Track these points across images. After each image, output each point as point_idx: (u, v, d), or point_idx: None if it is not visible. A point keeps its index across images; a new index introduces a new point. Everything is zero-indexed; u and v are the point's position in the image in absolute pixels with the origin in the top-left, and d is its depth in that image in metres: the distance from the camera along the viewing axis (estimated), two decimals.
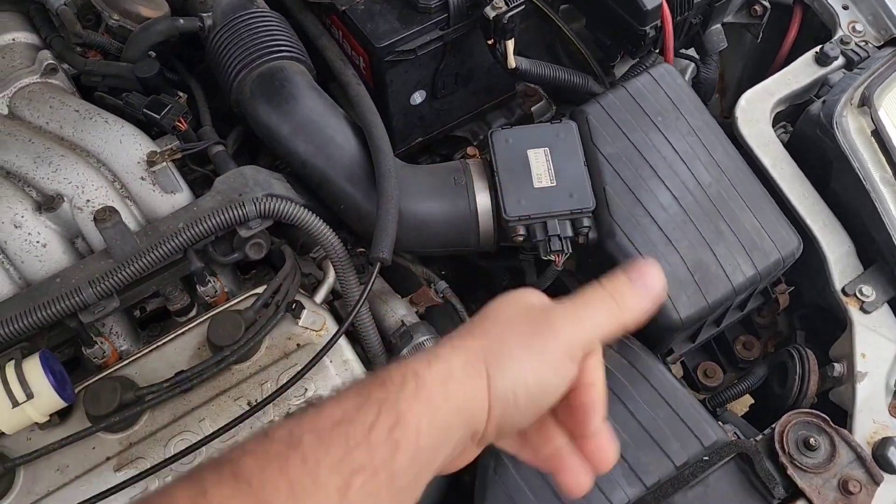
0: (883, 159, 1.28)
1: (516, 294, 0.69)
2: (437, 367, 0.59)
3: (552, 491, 1.06)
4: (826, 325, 1.40)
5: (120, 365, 1.17)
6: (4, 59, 1.30)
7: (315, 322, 1.22)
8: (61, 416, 1.12)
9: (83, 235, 1.20)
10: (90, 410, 1.09)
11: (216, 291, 1.25)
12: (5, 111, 1.25)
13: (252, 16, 1.33)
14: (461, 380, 0.59)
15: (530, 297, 0.69)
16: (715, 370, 1.47)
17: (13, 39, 1.32)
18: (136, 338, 1.29)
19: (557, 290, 1.41)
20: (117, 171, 1.20)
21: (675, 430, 1.11)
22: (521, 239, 1.22)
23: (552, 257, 1.19)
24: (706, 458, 1.09)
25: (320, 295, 1.27)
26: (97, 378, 1.13)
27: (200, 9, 1.37)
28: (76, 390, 1.12)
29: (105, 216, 1.14)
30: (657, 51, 1.49)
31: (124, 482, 1.07)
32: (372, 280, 1.16)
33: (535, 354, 0.63)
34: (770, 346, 1.51)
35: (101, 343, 1.20)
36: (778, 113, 1.42)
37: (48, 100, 1.23)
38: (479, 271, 1.49)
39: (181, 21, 1.30)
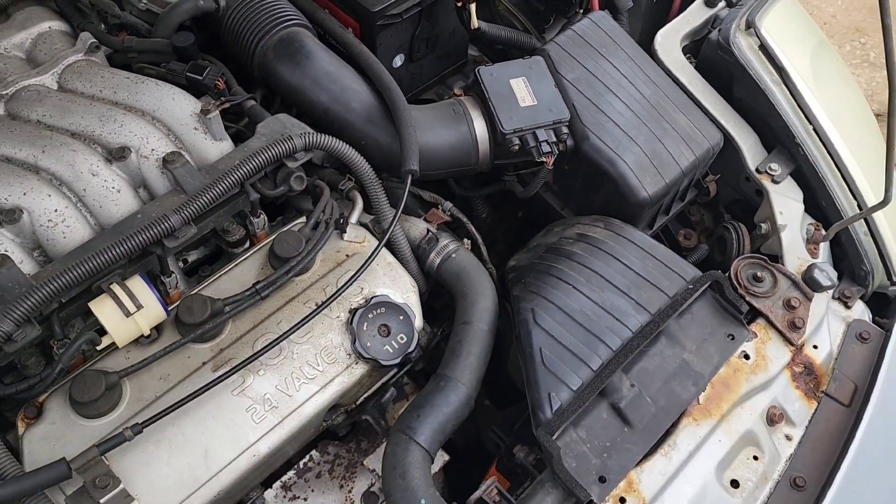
0: (770, 66, 1.67)
1: None
2: None
3: (582, 327, 1.32)
4: (742, 211, 1.77)
5: (201, 286, 1.33)
6: (46, 44, 1.45)
7: (357, 236, 1.44)
8: (157, 331, 1.27)
9: (146, 184, 1.36)
10: (185, 320, 1.25)
11: (264, 224, 1.45)
12: (55, 86, 1.40)
13: None
14: None
15: None
16: None
17: (49, 27, 1.47)
18: (187, 282, 1.45)
19: (537, 207, 1.70)
20: (171, 125, 1.38)
21: (663, 272, 1.41)
22: (516, 149, 1.50)
23: (544, 159, 1.48)
24: (690, 287, 1.40)
25: (353, 218, 1.48)
26: (187, 295, 1.29)
27: None
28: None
29: (174, 157, 1.33)
30: (581, 11, 1.84)
31: (224, 374, 1.22)
32: (407, 188, 1.39)
33: None
34: (702, 237, 1.86)
35: (173, 276, 1.36)
36: (684, 47, 1.79)
37: (98, 72, 1.40)
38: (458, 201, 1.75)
39: (201, 2, 1.50)
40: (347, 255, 1.41)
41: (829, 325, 1.54)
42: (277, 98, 1.59)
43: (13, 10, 1.52)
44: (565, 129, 1.51)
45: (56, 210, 1.27)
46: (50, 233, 1.26)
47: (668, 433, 1.31)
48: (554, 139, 1.49)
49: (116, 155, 1.32)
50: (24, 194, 1.25)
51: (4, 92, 1.36)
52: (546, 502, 1.20)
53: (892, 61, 1.31)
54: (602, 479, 1.22)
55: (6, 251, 1.22)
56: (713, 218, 1.87)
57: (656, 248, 1.45)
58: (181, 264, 1.47)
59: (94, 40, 1.42)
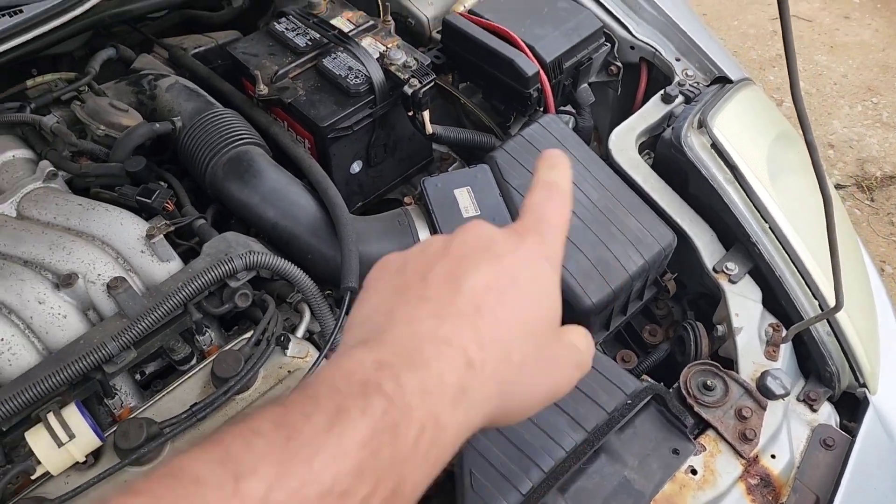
0: (722, 164, 1.66)
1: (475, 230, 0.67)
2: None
3: (515, 447, 1.31)
4: (708, 304, 1.74)
5: (143, 407, 1.37)
6: (8, 173, 1.53)
7: (300, 351, 1.46)
8: (94, 457, 1.31)
9: (94, 306, 1.42)
10: (121, 445, 1.28)
11: (212, 340, 1.48)
12: (14, 214, 1.48)
13: (214, 114, 1.62)
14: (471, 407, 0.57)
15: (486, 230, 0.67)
16: (630, 356, 1.76)
17: (13, 156, 1.56)
18: (141, 396, 1.49)
19: None
20: (120, 248, 1.43)
21: (602, 385, 1.39)
22: None
23: None
24: (629, 402, 1.37)
25: (300, 331, 1.51)
26: (123, 420, 1.33)
27: (168, 115, 1.65)
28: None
29: (117, 283, 1.38)
30: (541, 109, 1.86)
31: None
32: (345, 306, 1.42)
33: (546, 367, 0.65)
34: (670, 332, 1.83)
35: (117, 398, 1.40)
36: (641, 143, 1.79)
37: (53, 199, 1.47)
38: None
39: (157, 125, 1.58)
40: (289, 371, 1.43)
41: (791, 430, 1.49)
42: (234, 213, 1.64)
43: None
44: None
45: (2, 339, 1.32)
46: None
47: None
48: None
49: (63, 282, 1.37)
50: None
51: None
52: None
53: (816, 154, 1.30)
54: None
55: None
56: (681, 311, 1.84)
57: (598, 360, 1.43)
58: (138, 377, 1.52)
59: (52, 168, 1.50)
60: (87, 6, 1.65)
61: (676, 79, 1.86)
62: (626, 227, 1.58)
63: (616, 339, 1.78)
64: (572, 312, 1.51)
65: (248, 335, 1.47)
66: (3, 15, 1.59)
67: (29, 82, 1.72)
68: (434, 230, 1.53)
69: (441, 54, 1.89)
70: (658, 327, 1.81)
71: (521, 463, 1.29)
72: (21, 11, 1.59)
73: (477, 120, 1.99)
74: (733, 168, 1.64)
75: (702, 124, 1.69)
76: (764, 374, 1.49)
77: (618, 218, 1.59)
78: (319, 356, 1.40)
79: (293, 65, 1.70)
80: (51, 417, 1.25)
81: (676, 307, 1.84)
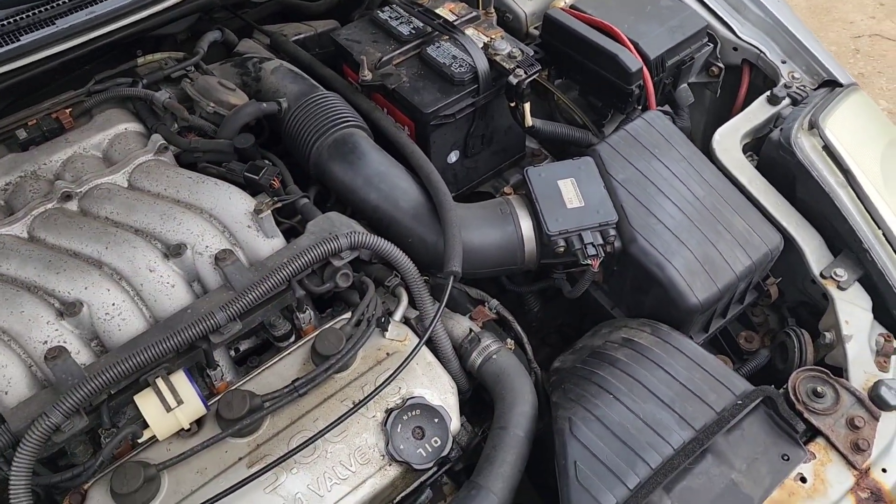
0: (835, 168, 1.60)
1: None
2: None
3: (620, 441, 1.28)
4: (808, 313, 1.68)
5: (245, 380, 1.37)
6: (120, 144, 1.57)
7: (399, 334, 1.45)
8: (197, 426, 1.31)
9: (200, 278, 1.43)
10: (224, 415, 1.28)
11: (311, 319, 1.48)
12: (125, 184, 1.50)
13: (319, 97, 1.63)
14: None
15: None
16: (727, 361, 1.71)
17: (125, 129, 1.59)
18: (236, 372, 1.49)
19: (588, 305, 1.68)
20: (227, 222, 1.44)
21: (711, 385, 1.35)
22: (561, 250, 1.49)
23: (589, 261, 1.46)
24: (739, 402, 1.33)
25: (398, 315, 1.50)
26: (228, 391, 1.33)
27: (273, 97, 1.66)
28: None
29: (225, 255, 1.39)
30: (640, 107, 1.83)
31: (258, 471, 1.24)
32: (447, 290, 1.40)
33: None
34: (765, 340, 1.77)
35: (218, 370, 1.41)
36: (745, 145, 1.75)
37: (163, 171, 1.49)
38: (510, 296, 1.75)
39: (264, 105, 1.60)
40: (388, 354, 1.42)
41: None
42: (332, 195, 1.64)
43: (96, 112, 1.65)
44: (612, 232, 1.49)
45: (114, 304, 1.34)
46: (107, 325, 1.34)
47: None
48: (600, 241, 1.48)
49: (173, 251, 1.39)
50: (86, 288, 1.34)
51: (79, 190, 1.47)
52: None
53: None
54: None
55: (65, 342, 1.30)
56: (778, 319, 1.78)
57: (705, 359, 1.39)
58: (232, 353, 1.52)
59: (164, 141, 1.53)
60: None
61: (782, 81, 1.81)
62: (733, 226, 1.54)
63: (711, 344, 1.73)
64: (675, 309, 1.47)
65: (346, 315, 1.47)
66: None
67: (139, 60, 1.76)
68: (537, 220, 1.51)
69: (539, 49, 1.88)
70: (755, 334, 1.75)
71: (627, 457, 1.26)
72: None
73: (570, 118, 1.97)
74: (846, 172, 1.59)
75: (813, 126, 1.64)
76: (877, 384, 1.42)
77: (724, 217, 1.55)
78: (419, 342, 1.39)
79: (397, 52, 1.70)
80: (160, 383, 1.26)
81: (773, 315, 1.78)
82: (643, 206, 1.52)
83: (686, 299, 1.45)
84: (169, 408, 1.24)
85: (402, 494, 1.39)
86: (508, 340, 1.53)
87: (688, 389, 1.34)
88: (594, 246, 1.47)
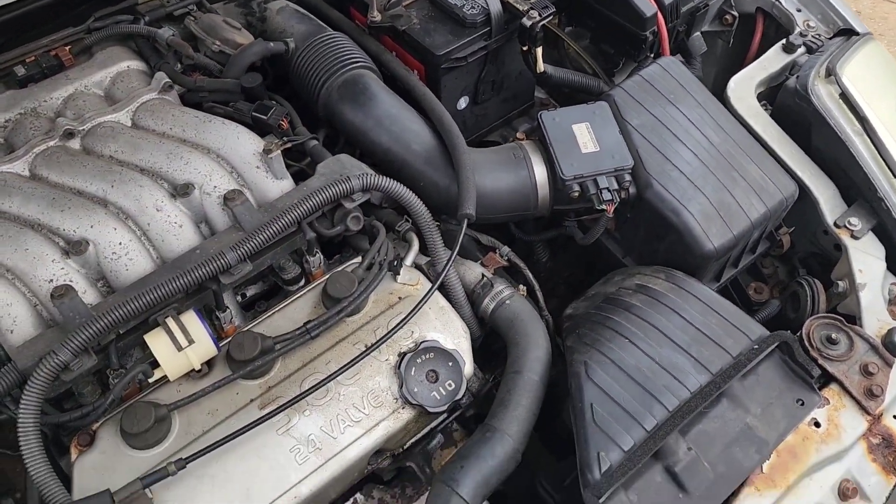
0: (851, 116, 1.58)
1: None
2: None
3: (636, 384, 1.27)
4: (819, 264, 1.68)
5: (255, 322, 1.35)
6: (123, 83, 1.52)
7: (411, 278, 1.42)
8: (207, 367, 1.29)
9: (207, 219, 1.39)
10: (236, 356, 1.26)
11: (320, 262, 1.46)
12: (129, 123, 1.46)
13: (327, 37, 1.59)
14: None
15: None
16: None
17: (128, 67, 1.54)
18: (243, 317, 1.47)
19: (599, 254, 1.66)
20: (235, 162, 1.41)
21: (726, 329, 1.34)
22: (576, 195, 1.46)
23: (605, 206, 1.44)
24: (755, 347, 1.32)
25: (409, 260, 1.47)
26: (239, 332, 1.30)
27: (280, 37, 1.62)
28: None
29: (234, 196, 1.35)
30: (652, 55, 1.80)
31: (271, 412, 1.22)
32: (461, 233, 1.38)
33: None
34: (775, 291, 1.77)
35: (227, 312, 1.38)
36: (759, 94, 1.72)
37: (169, 110, 1.45)
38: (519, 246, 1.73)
39: (271, 44, 1.55)
40: (400, 298, 1.40)
41: None
42: (341, 137, 1.61)
43: (96, 50, 1.60)
44: (628, 177, 1.46)
45: (120, 243, 1.31)
46: (113, 265, 1.30)
47: (727, 502, 1.23)
48: (615, 186, 1.45)
49: (181, 191, 1.35)
50: (92, 227, 1.30)
51: (81, 128, 1.43)
52: None
53: None
54: None
55: (71, 281, 1.26)
56: (787, 271, 1.77)
57: (720, 304, 1.38)
58: (239, 298, 1.50)
59: (168, 80, 1.48)
60: None
61: (798, 29, 1.78)
62: (748, 173, 1.52)
63: (721, 294, 1.71)
64: (691, 255, 1.45)
65: (357, 260, 1.44)
66: None
67: None
68: (551, 164, 1.48)
69: None
70: (764, 285, 1.75)
71: (644, 400, 1.25)
72: None
73: (579, 67, 1.93)
74: (863, 119, 1.57)
75: (830, 73, 1.62)
76: (891, 332, 1.42)
77: (739, 163, 1.53)
78: (434, 285, 1.36)
79: None
80: (170, 322, 1.23)
81: (782, 266, 1.78)
82: (658, 152, 1.49)
83: (702, 245, 1.44)
84: (180, 347, 1.22)
85: (414, 439, 1.38)
86: (521, 287, 1.51)
87: (703, 334, 1.33)
88: (609, 191, 1.44)
